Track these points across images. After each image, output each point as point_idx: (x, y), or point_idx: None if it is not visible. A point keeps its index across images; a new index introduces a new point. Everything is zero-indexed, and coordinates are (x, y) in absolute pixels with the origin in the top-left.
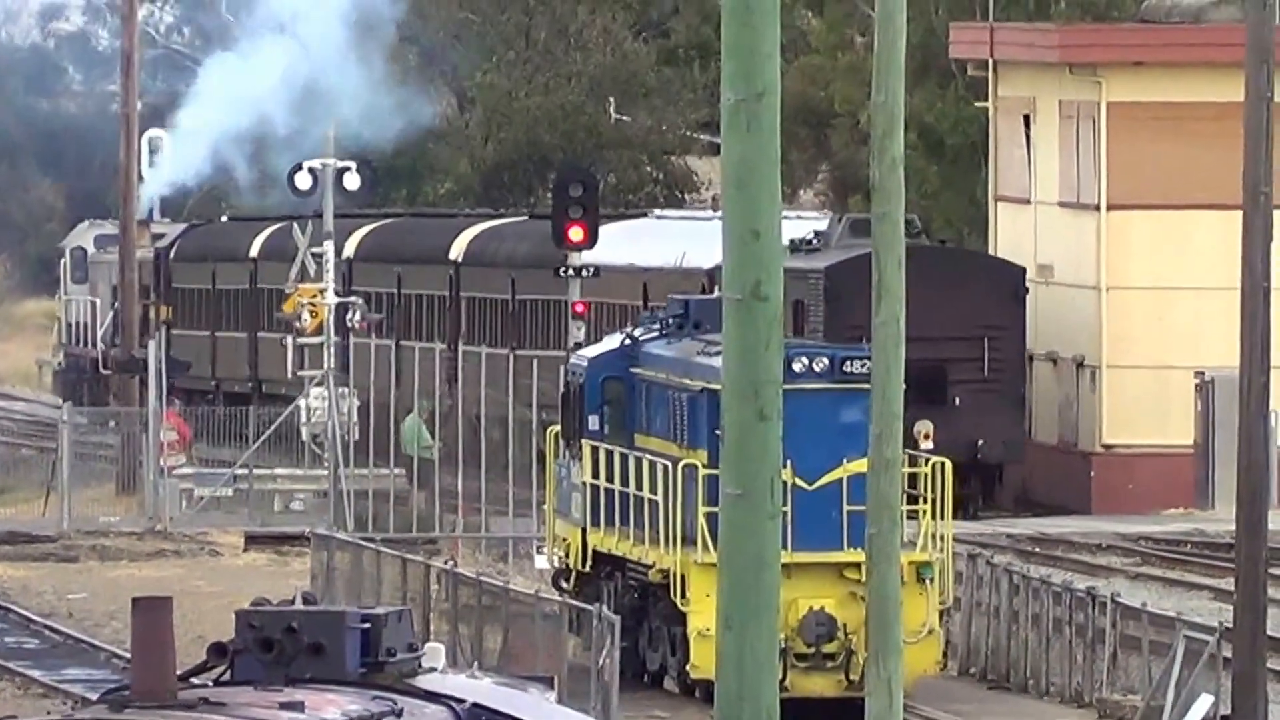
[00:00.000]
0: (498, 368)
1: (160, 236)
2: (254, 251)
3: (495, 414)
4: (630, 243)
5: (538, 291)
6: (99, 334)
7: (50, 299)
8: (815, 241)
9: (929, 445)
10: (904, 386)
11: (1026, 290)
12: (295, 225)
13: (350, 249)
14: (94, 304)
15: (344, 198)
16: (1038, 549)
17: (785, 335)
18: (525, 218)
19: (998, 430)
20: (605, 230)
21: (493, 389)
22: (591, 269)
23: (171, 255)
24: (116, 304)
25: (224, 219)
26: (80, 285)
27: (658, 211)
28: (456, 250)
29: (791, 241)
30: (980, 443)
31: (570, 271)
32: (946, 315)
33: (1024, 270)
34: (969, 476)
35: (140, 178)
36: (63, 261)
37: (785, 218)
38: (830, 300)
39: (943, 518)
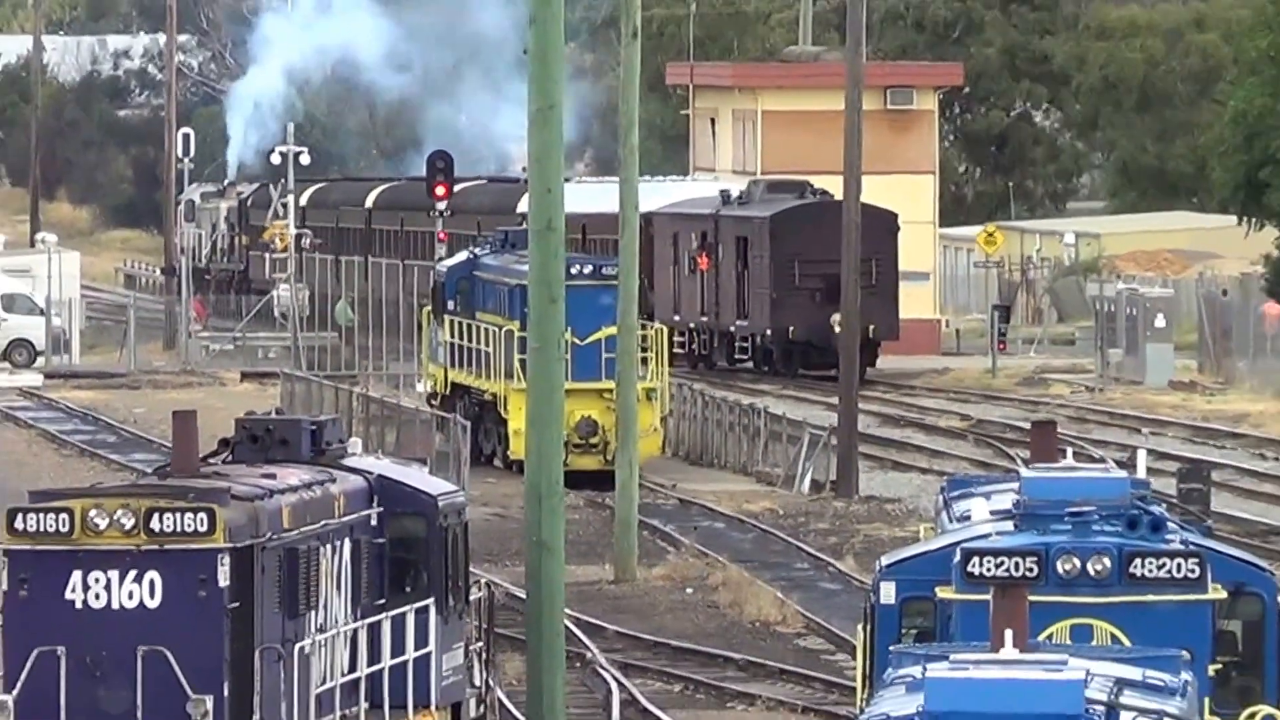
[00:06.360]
0: (394, 272)
1: (241, 192)
2: (302, 202)
3: (390, 299)
4: (571, 197)
5: (424, 225)
6: (203, 254)
7: (125, 230)
8: (743, 197)
9: (838, 329)
10: (646, 287)
11: (898, 228)
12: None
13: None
14: (199, 235)
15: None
16: (718, 380)
17: (730, 265)
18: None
19: (881, 320)
20: None
21: (390, 284)
22: (449, 210)
23: (249, 204)
24: (215, 234)
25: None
26: (190, 223)
27: (577, 179)
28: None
29: (723, 193)
30: (870, 328)
31: (436, 213)
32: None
33: (896, 215)
34: (860, 349)
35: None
36: (179, 209)
37: (696, 180)
38: (774, 238)
39: (662, 362)
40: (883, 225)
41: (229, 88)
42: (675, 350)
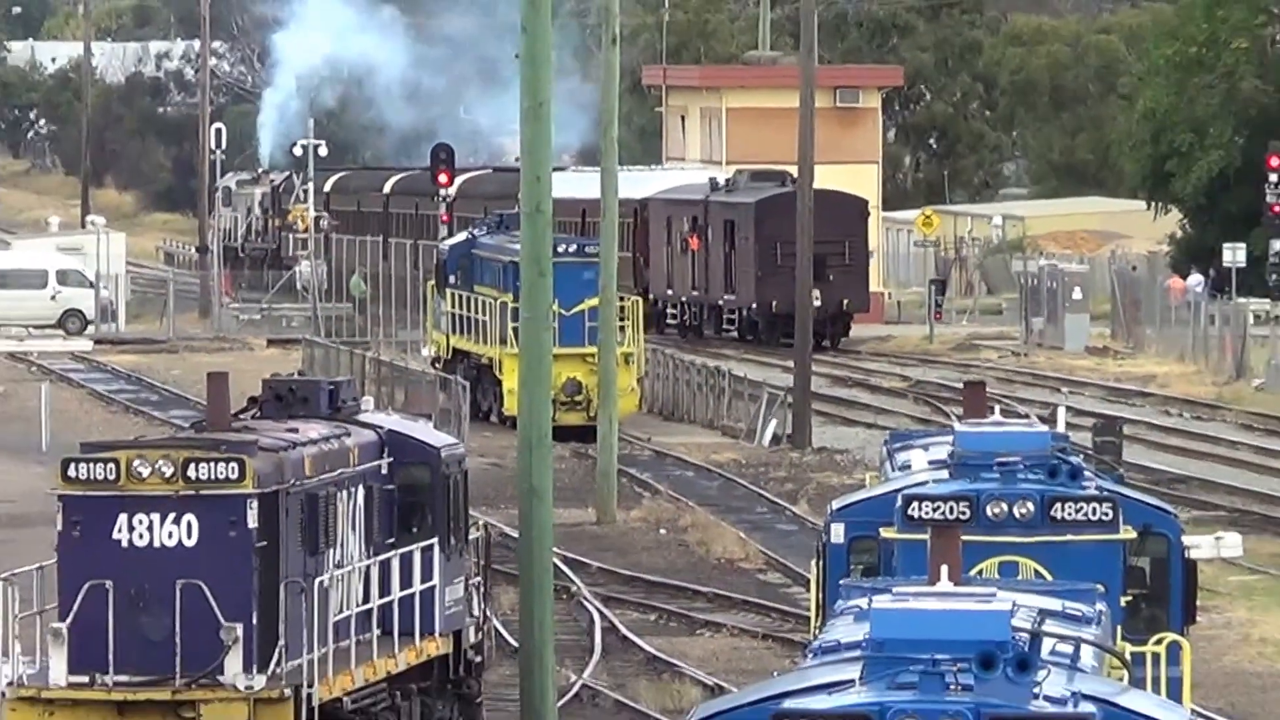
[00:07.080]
0: (402, 250)
1: (274, 179)
2: (327, 188)
3: (399, 274)
4: (570, 185)
5: (435, 209)
6: (239, 235)
7: (164, 214)
8: (729, 185)
9: (818, 303)
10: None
11: (869, 213)
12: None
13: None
14: (235, 218)
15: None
16: (687, 343)
17: (719, 246)
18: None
19: (854, 294)
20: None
21: (400, 261)
22: (452, 194)
23: (281, 189)
24: (250, 217)
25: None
26: (227, 208)
27: (574, 168)
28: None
29: (712, 181)
30: (845, 301)
31: (439, 198)
32: (823, 227)
33: (867, 201)
34: (835, 320)
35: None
36: (217, 195)
37: (680, 170)
38: (758, 222)
39: (638, 330)
40: (855, 210)
41: (270, 59)
42: (668, 321)
